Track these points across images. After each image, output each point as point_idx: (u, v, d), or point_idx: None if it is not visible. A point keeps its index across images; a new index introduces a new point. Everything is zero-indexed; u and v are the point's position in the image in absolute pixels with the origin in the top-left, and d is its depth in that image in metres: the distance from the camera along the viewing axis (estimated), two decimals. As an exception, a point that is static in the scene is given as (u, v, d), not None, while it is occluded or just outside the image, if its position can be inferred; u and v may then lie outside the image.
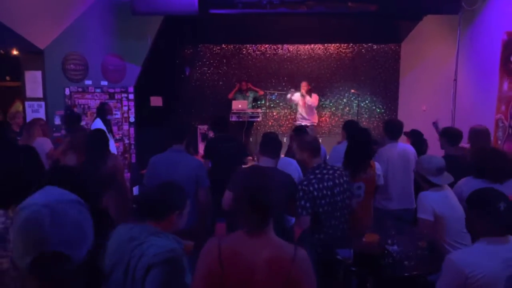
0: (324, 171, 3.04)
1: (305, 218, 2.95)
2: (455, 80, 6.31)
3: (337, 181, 3.04)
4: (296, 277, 1.61)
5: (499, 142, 5.38)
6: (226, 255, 1.63)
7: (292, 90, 8.03)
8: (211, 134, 5.02)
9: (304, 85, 7.89)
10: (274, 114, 8.92)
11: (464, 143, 4.27)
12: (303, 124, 7.60)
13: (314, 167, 3.08)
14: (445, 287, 2.01)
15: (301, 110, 8.00)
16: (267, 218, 1.67)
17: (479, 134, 3.97)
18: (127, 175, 6.88)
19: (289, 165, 3.60)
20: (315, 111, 8.09)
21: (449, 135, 4.01)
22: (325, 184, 2.99)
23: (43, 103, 6.55)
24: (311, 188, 2.94)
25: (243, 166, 4.27)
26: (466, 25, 6.14)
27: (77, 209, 1.23)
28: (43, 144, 4.74)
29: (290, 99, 8.01)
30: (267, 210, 1.65)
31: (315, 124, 8.09)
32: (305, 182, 3.00)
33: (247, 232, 1.66)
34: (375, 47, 8.80)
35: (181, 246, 1.84)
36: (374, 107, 8.94)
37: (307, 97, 7.79)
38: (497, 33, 5.43)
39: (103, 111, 5.86)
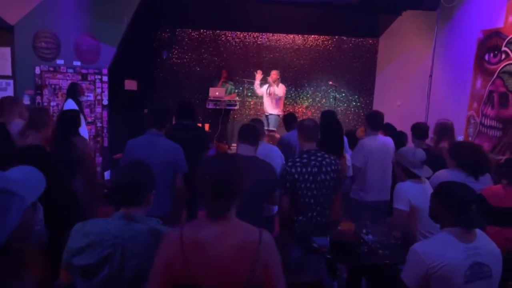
0: (312, 157, 3.08)
1: (284, 198, 3.03)
2: (431, 76, 6.43)
3: (324, 169, 3.07)
4: (264, 258, 1.62)
5: (470, 138, 5.53)
6: (189, 244, 1.59)
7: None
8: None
9: (274, 74, 7.44)
10: (252, 103, 8.88)
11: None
12: (271, 113, 7.41)
13: (303, 151, 3.13)
14: (409, 277, 2.05)
15: (268, 101, 7.54)
16: (229, 204, 1.65)
17: (445, 128, 4.19)
18: (98, 159, 6.71)
19: (271, 152, 3.62)
20: (282, 103, 7.70)
21: (417, 130, 4.11)
22: (309, 169, 3.03)
23: (11, 81, 6.27)
24: (293, 170, 3.01)
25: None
26: (443, 22, 6.25)
27: None
28: (20, 127, 4.51)
29: (257, 89, 7.58)
30: (229, 195, 1.64)
31: (281, 116, 7.45)
32: (289, 164, 3.07)
33: (210, 218, 1.64)
34: (354, 40, 8.86)
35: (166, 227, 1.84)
36: (350, 100, 9.03)
37: (275, 87, 7.38)
38: (473, 31, 5.55)
39: (74, 92, 5.66)
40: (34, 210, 1.74)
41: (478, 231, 2.09)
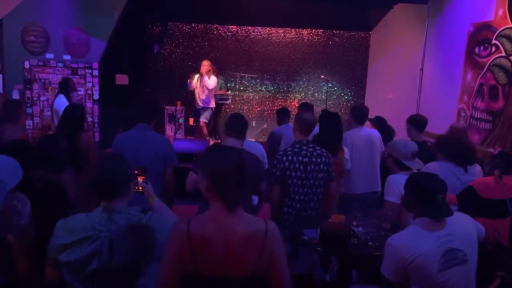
0: (304, 147, 3.11)
1: (274, 187, 3.05)
2: (422, 69, 6.45)
3: (314, 159, 3.08)
4: (270, 248, 1.65)
5: (461, 131, 5.57)
6: (196, 239, 1.61)
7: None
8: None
9: (205, 64, 7.09)
10: (244, 97, 8.85)
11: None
12: (204, 107, 7.20)
13: (296, 141, 3.17)
14: (387, 270, 2.10)
15: (199, 93, 7.25)
16: (244, 194, 1.69)
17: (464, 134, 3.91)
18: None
19: (252, 148, 3.61)
20: (213, 96, 7.38)
21: (417, 122, 4.12)
22: (300, 158, 3.06)
23: (0, 76, 6.20)
24: (284, 158, 3.05)
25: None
26: (434, 15, 6.26)
27: None
28: None
29: (191, 83, 7.20)
30: (246, 184, 1.67)
31: (213, 109, 7.42)
32: (280, 152, 3.12)
33: (224, 210, 1.64)
34: (345, 34, 8.85)
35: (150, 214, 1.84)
36: (342, 94, 9.04)
37: (205, 78, 7.03)
38: (463, 24, 5.56)
39: (67, 87, 5.59)
40: (12, 197, 1.71)
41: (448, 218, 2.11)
